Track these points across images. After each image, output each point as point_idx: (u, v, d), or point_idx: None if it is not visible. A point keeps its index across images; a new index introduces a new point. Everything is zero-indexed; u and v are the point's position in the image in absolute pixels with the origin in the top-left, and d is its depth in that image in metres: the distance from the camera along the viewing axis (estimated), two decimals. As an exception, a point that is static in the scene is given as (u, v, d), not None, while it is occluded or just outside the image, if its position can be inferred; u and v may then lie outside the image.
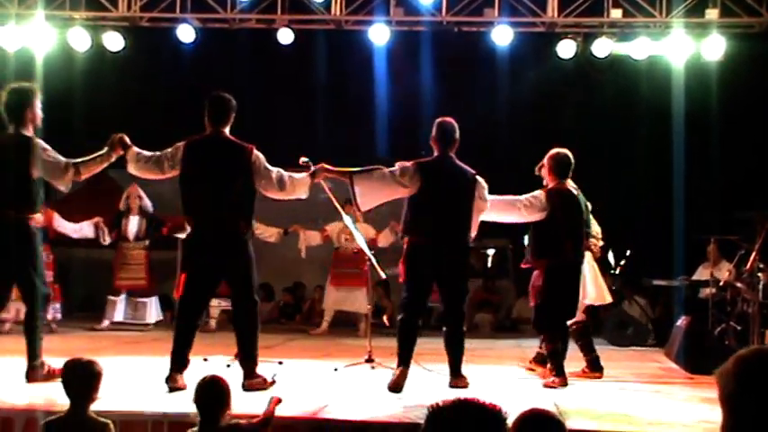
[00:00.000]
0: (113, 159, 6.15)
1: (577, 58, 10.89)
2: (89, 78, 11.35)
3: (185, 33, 10.85)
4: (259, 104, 11.82)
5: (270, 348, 8.28)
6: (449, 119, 6.40)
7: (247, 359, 5.93)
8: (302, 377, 6.34)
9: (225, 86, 12.30)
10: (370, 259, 7.68)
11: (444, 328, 6.35)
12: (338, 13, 10.93)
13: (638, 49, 10.61)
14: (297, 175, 6.21)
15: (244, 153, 5.99)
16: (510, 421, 2.60)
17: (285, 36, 10.78)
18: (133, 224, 10.81)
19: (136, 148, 6.09)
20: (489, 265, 13.88)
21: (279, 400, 4.15)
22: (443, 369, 7.34)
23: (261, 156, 6.06)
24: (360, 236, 7.76)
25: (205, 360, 7.36)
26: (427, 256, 6.14)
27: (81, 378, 3.95)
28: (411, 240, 6.21)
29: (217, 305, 10.78)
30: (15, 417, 4.86)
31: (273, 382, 5.93)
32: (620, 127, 12.03)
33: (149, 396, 5.42)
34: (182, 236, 10.92)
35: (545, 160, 7.04)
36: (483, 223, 6.57)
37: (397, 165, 6.25)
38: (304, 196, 6.33)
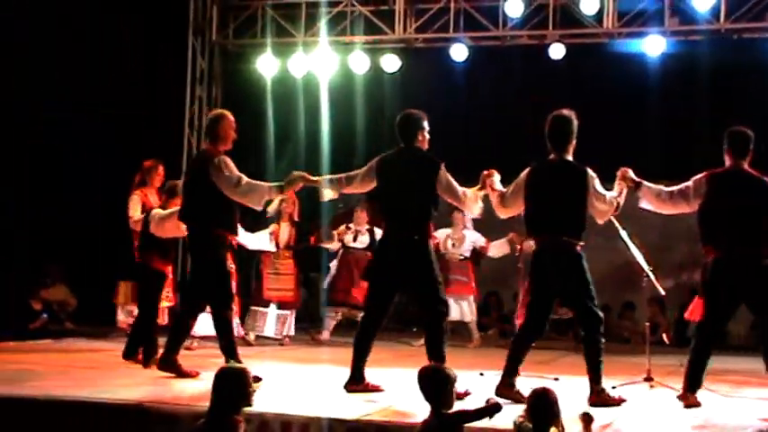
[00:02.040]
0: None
1: None
2: (368, 100, 11.89)
3: (458, 52, 11.13)
4: (528, 122, 11.85)
5: (543, 364, 8.27)
6: (742, 128, 6.25)
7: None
8: (581, 394, 6.27)
9: (495, 104, 12.54)
10: (647, 274, 7.45)
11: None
12: (610, 25, 10.79)
13: None
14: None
15: (583, 176, 6.25)
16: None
17: (557, 51, 10.78)
18: (284, 231, 10.03)
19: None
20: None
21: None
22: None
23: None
24: (636, 249, 7.52)
25: (481, 375, 7.47)
26: (725, 272, 6.06)
27: (435, 384, 4.19)
28: (709, 255, 6.18)
29: (334, 316, 10.55)
30: (310, 423, 5.13)
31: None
32: None
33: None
34: (330, 246, 10.63)
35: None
36: None
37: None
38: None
